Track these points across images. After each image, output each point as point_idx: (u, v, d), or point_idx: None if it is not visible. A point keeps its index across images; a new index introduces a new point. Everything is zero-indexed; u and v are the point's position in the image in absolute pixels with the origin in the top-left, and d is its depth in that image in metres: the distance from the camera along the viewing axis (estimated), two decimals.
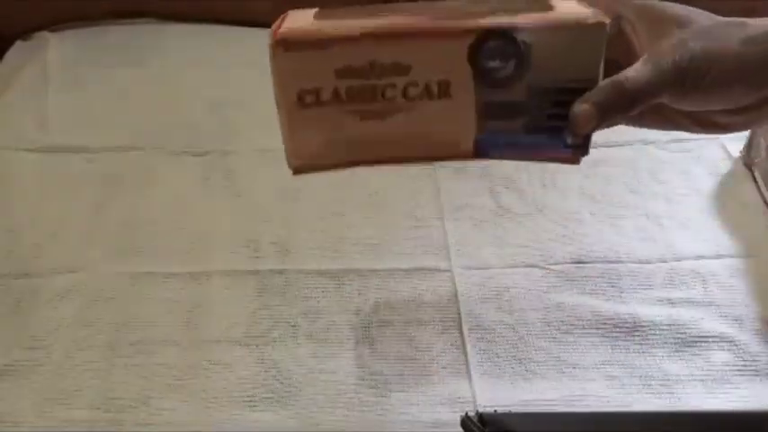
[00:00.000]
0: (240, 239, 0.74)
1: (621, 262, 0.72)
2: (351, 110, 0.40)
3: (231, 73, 0.96)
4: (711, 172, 0.83)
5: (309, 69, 0.39)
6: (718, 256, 0.73)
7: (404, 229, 0.76)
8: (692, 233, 0.75)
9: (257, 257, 0.72)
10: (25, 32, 1.04)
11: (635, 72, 0.38)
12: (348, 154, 0.42)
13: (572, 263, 0.72)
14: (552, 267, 0.72)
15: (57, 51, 1.01)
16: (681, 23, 0.39)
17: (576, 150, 0.41)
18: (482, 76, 0.39)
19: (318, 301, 0.68)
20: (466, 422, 0.54)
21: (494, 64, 0.39)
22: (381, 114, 0.40)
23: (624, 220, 0.77)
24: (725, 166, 0.83)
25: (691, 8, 0.40)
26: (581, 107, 0.39)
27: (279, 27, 0.39)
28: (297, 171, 0.43)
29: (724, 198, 0.79)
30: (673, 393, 0.61)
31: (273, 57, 0.39)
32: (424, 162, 0.43)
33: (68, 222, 0.76)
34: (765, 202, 0.78)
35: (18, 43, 1.03)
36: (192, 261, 0.72)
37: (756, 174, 0.80)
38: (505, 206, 0.78)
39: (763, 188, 0.79)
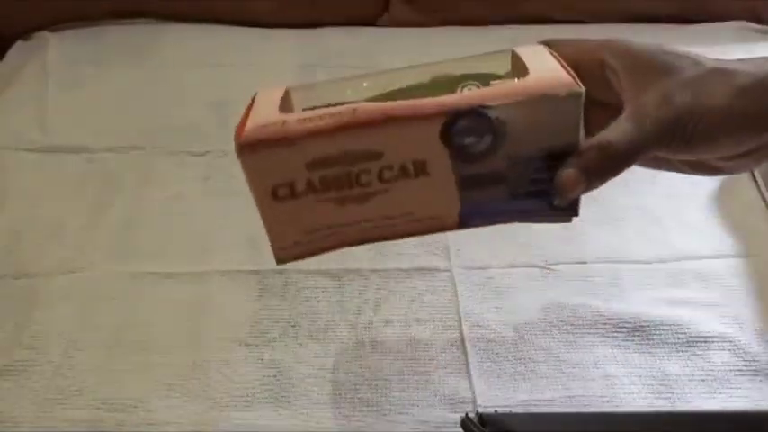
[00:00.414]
0: (240, 239, 0.74)
1: (621, 262, 0.72)
2: (327, 198, 0.39)
3: (231, 73, 0.97)
4: None
5: (279, 166, 0.38)
6: (719, 256, 0.73)
7: None
8: (692, 233, 0.75)
9: (258, 257, 0.72)
10: (25, 32, 1.04)
11: (619, 134, 0.37)
12: (331, 239, 0.41)
13: (572, 263, 0.72)
14: (552, 267, 0.72)
15: (57, 51, 1.01)
16: (666, 72, 0.37)
17: (566, 211, 0.40)
18: (457, 153, 0.38)
19: (318, 301, 0.68)
20: (466, 422, 0.54)
21: (468, 141, 0.38)
22: (359, 199, 0.39)
23: (624, 220, 0.77)
24: None
25: (677, 54, 0.38)
26: (567, 173, 0.37)
27: (244, 124, 0.38)
28: (280, 261, 0.42)
29: (724, 198, 0.79)
30: (673, 393, 0.61)
31: (240, 158, 0.38)
32: (410, 237, 0.41)
33: (68, 222, 0.76)
34: (766, 201, 0.78)
35: (18, 43, 1.03)
36: (192, 261, 0.72)
37: (757, 174, 0.80)
38: None
39: (763, 188, 0.79)
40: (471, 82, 0.42)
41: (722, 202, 0.79)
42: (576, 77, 0.37)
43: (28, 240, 0.75)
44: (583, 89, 0.36)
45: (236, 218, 0.77)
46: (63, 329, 0.66)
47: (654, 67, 0.37)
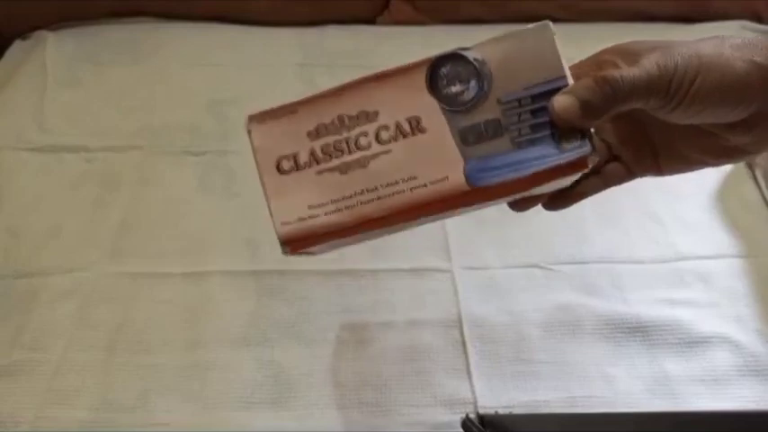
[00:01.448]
0: (239, 239, 0.74)
1: (622, 262, 0.72)
2: (330, 167, 0.41)
3: (230, 72, 0.96)
4: (712, 171, 0.83)
5: (283, 136, 0.42)
6: (720, 256, 0.73)
7: None
8: (693, 233, 0.75)
9: (256, 258, 0.72)
10: (24, 31, 1.04)
11: (618, 70, 0.38)
12: (335, 216, 0.42)
13: (572, 263, 0.72)
14: (552, 267, 0.72)
15: (55, 50, 1.00)
16: (659, 47, 0.39)
17: (578, 148, 0.39)
18: (449, 104, 0.40)
19: (318, 302, 0.68)
20: (466, 423, 0.53)
21: (455, 89, 0.39)
22: (361, 163, 0.41)
23: (625, 219, 0.77)
24: (726, 166, 0.83)
25: (669, 41, 0.40)
26: (560, 98, 0.38)
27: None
28: (284, 241, 0.42)
29: (725, 198, 0.79)
30: (673, 393, 0.61)
31: (249, 132, 0.42)
32: (419, 219, 0.41)
33: (68, 222, 0.76)
34: (766, 201, 0.78)
35: (17, 42, 1.03)
36: (191, 261, 0.72)
37: (757, 173, 0.80)
38: (506, 206, 0.78)
39: (764, 188, 0.79)
40: None
41: (722, 202, 0.79)
42: None
43: (27, 240, 0.74)
44: (550, 22, 0.39)
45: (234, 218, 0.77)
46: (63, 329, 0.66)
47: (648, 47, 0.39)
